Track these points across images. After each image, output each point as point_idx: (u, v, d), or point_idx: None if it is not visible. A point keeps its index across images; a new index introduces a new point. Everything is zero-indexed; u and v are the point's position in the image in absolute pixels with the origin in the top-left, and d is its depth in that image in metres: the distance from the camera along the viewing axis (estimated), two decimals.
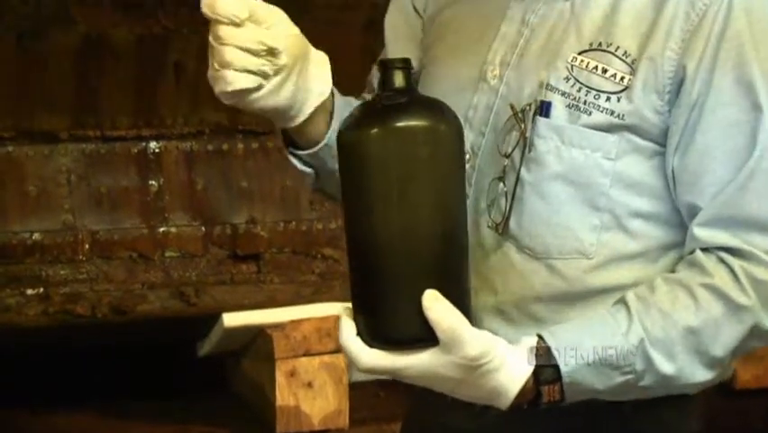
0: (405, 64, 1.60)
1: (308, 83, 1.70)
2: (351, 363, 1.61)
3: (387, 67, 1.60)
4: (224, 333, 3.21)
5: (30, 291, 3.38)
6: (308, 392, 3.15)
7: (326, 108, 1.76)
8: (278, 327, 3.15)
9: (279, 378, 3.15)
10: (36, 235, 3.42)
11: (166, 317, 3.40)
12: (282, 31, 1.64)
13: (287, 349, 3.14)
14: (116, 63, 3.41)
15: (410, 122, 1.56)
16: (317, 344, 3.17)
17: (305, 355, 3.15)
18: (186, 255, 3.50)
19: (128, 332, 3.39)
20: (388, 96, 1.59)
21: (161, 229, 3.50)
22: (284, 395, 3.15)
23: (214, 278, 3.49)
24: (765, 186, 1.63)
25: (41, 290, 3.39)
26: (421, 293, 1.55)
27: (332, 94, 1.76)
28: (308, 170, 1.82)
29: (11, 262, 3.39)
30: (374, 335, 1.58)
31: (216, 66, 1.62)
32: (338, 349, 1.65)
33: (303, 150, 1.79)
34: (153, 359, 3.42)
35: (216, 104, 3.48)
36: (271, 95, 1.66)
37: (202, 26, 3.43)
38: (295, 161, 1.82)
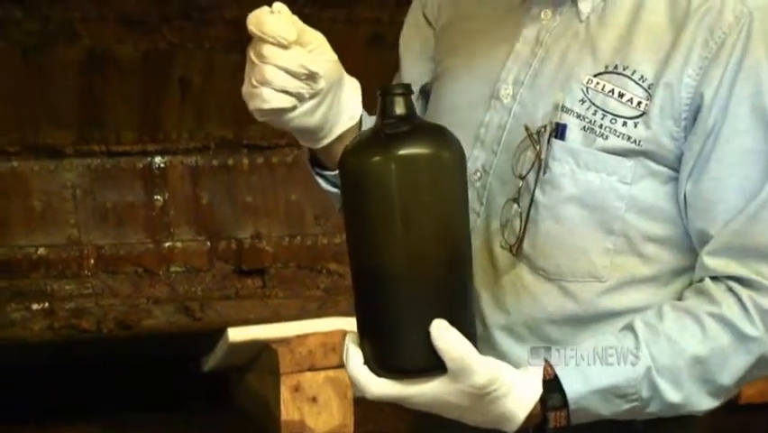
0: (405, 90, 1.60)
1: (340, 107, 1.69)
2: (358, 392, 1.60)
3: (387, 93, 1.59)
4: (228, 348, 3.22)
5: (35, 306, 3.38)
6: (313, 407, 3.15)
7: (354, 131, 1.73)
8: (283, 341, 3.15)
9: (284, 393, 3.16)
10: (41, 250, 3.43)
11: (171, 331, 3.41)
12: (323, 56, 1.64)
13: (291, 364, 3.14)
14: (121, 78, 3.41)
15: (413, 150, 1.56)
16: (322, 358, 3.17)
17: (309, 370, 3.16)
18: (191, 270, 3.50)
19: (133, 347, 3.40)
20: (390, 124, 1.58)
21: (166, 244, 3.50)
22: (289, 410, 3.16)
23: (219, 293, 3.49)
24: None
25: (47, 304, 3.39)
26: (428, 322, 1.54)
27: (360, 118, 1.75)
28: (334, 189, 1.80)
29: (16, 276, 3.39)
30: (382, 364, 1.57)
31: (254, 82, 1.61)
32: (343, 364, 1.64)
33: (329, 171, 1.78)
34: (158, 374, 3.43)
35: (221, 118, 3.51)
36: (305, 116, 1.66)
37: (206, 42, 3.45)
38: (321, 181, 1.81)
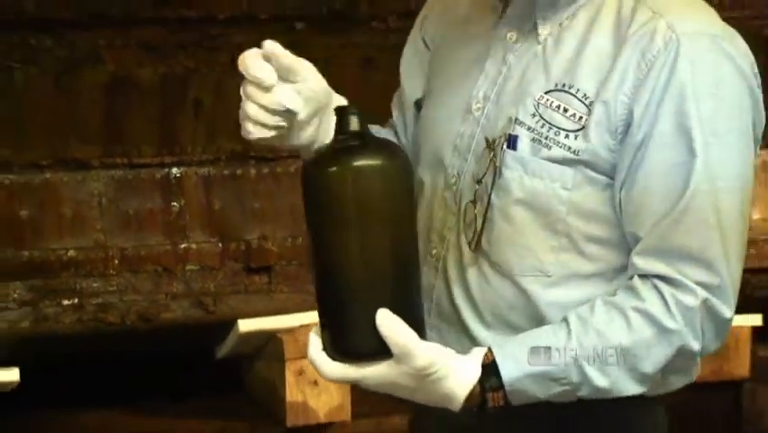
0: (357, 110, 1.63)
1: (329, 124, 1.72)
2: (320, 374, 1.63)
3: (342, 113, 1.63)
4: (239, 337, 3.23)
5: (65, 302, 3.37)
6: (314, 389, 3.16)
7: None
8: (288, 331, 3.16)
9: (289, 377, 3.17)
10: (71, 252, 3.41)
11: (187, 324, 3.39)
12: (308, 84, 1.68)
13: (295, 351, 3.15)
14: (141, 99, 3.40)
15: (364, 161, 1.59)
16: None
17: None
18: (205, 268, 3.49)
19: (153, 337, 3.39)
20: (344, 139, 1.62)
21: (183, 245, 3.50)
22: (293, 392, 3.17)
23: (230, 288, 3.49)
24: (696, 222, 1.63)
25: (76, 300, 3.38)
26: (375, 312, 1.57)
27: None
28: None
29: (48, 276, 3.37)
30: (336, 349, 1.61)
31: (241, 115, 1.66)
32: None
33: None
34: (176, 361, 3.43)
35: (231, 134, 3.54)
36: (291, 138, 1.71)
37: (217, 66, 3.46)
38: None
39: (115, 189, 3.45)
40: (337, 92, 1.80)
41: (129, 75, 3.36)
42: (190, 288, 3.46)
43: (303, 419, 3.18)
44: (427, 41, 1.94)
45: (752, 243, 3.78)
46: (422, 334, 1.61)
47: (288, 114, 1.66)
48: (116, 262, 3.44)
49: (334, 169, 1.59)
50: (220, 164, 3.53)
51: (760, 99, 1.69)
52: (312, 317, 3.18)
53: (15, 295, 3.34)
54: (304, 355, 3.17)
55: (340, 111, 1.64)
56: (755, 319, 3.57)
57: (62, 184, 3.42)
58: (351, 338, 1.60)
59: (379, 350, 1.57)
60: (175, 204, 3.50)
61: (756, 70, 1.69)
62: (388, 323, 1.56)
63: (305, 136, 1.73)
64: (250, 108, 1.65)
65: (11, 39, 3.23)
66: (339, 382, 1.65)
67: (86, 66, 3.31)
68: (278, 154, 3.52)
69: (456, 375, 1.60)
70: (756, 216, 3.84)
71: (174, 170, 3.50)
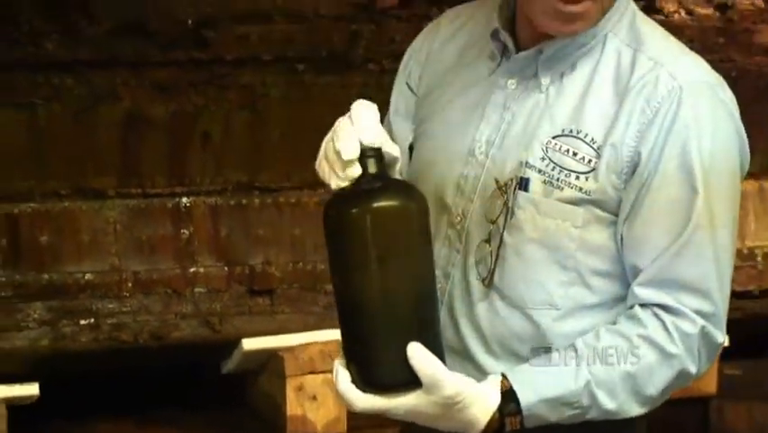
0: (377, 153, 1.61)
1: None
2: (348, 406, 1.62)
3: (363, 156, 1.60)
4: (243, 355, 3.24)
5: (82, 322, 3.36)
6: (313, 404, 3.16)
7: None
8: (289, 349, 3.17)
9: (289, 392, 3.17)
10: (88, 276, 3.41)
11: (195, 342, 3.40)
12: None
13: (295, 368, 3.16)
14: (154, 134, 3.41)
15: (385, 202, 1.58)
16: (321, 364, 3.19)
17: (310, 373, 3.17)
18: (212, 291, 3.49)
19: (164, 355, 3.39)
20: (365, 181, 1.59)
21: (191, 269, 3.49)
22: (293, 406, 3.17)
23: (235, 309, 3.48)
24: (696, 255, 1.64)
25: (92, 320, 3.37)
26: (403, 345, 1.57)
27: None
28: None
29: (67, 298, 3.37)
30: (366, 382, 1.59)
31: (323, 158, 1.65)
32: None
33: None
34: (185, 377, 3.43)
35: (237, 166, 3.55)
36: None
37: (225, 103, 3.47)
38: None
39: (130, 217, 3.45)
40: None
41: (143, 111, 3.37)
42: (198, 309, 3.46)
43: (302, 430, 3.18)
44: (412, 86, 1.93)
45: None
46: (444, 363, 1.60)
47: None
48: (130, 284, 3.44)
49: (355, 210, 1.58)
50: (226, 194, 3.53)
51: (746, 141, 1.71)
52: (311, 337, 3.20)
53: (36, 315, 3.34)
54: (304, 372, 3.20)
55: (360, 154, 1.62)
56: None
57: (80, 212, 3.42)
58: (380, 371, 1.59)
59: (409, 381, 1.57)
60: (184, 231, 3.51)
61: (738, 112, 1.70)
62: (419, 355, 1.57)
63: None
64: (327, 164, 1.64)
65: (35, 78, 3.23)
66: (369, 412, 1.61)
67: (104, 103, 3.32)
68: (281, 185, 3.52)
69: (480, 403, 1.61)
70: None
71: (184, 199, 3.50)
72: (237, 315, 3.47)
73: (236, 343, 3.26)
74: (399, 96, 1.95)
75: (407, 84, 1.94)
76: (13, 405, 2.99)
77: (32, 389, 2.99)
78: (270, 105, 3.43)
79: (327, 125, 1.75)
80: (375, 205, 1.58)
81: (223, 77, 3.38)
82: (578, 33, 1.70)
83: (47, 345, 3.31)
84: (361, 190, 1.59)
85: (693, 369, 1.66)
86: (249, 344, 3.21)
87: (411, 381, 1.57)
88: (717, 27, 3.86)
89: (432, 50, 1.90)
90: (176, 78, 3.34)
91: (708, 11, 3.98)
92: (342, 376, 1.61)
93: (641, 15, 1.77)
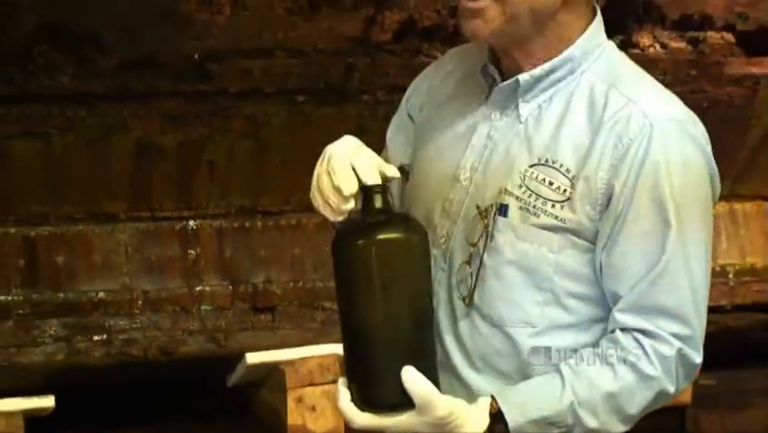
0: (382, 189, 1.63)
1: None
2: (347, 423, 1.63)
3: (369, 191, 1.62)
4: (246, 368, 3.23)
5: (96, 338, 3.37)
6: (312, 414, 3.16)
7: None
8: (289, 363, 3.17)
9: (290, 403, 3.16)
10: (101, 294, 3.42)
11: (202, 356, 3.40)
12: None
13: (296, 380, 3.16)
14: (163, 161, 3.42)
15: (388, 235, 1.60)
16: (320, 376, 3.19)
17: (310, 385, 3.17)
18: (217, 308, 3.49)
19: (172, 368, 3.39)
20: (370, 215, 1.61)
21: (198, 288, 3.50)
22: (294, 417, 3.17)
23: (239, 325, 3.49)
24: (671, 284, 1.63)
25: (105, 336, 3.39)
26: (400, 369, 1.57)
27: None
28: None
29: (81, 315, 3.38)
30: (364, 401, 1.60)
31: (316, 190, 1.66)
32: (335, 380, 1.66)
33: None
34: (192, 389, 3.43)
35: (241, 191, 3.55)
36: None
37: (229, 133, 3.48)
38: None
39: (140, 239, 3.46)
40: None
41: (152, 141, 3.38)
42: (204, 325, 3.46)
43: None
44: (413, 115, 1.95)
45: None
46: (438, 387, 1.60)
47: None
48: (140, 302, 3.45)
49: (361, 242, 1.59)
50: (231, 217, 3.55)
51: (717, 173, 1.71)
52: (310, 351, 3.20)
53: (51, 331, 3.35)
54: (303, 384, 3.20)
55: (366, 190, 1.62)
56: None
57: (93, 235, 3.44)
58: (377, 392, 1.59)
59: (403, 401, 1.57)
60: (191, 252, 3.52)
61: (710, 147, 1.70)
62: (413, 378, 1.57)
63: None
64: (321, 197, 1.66)
65: (50, 110, 3.25)
66: (366, 429, 1.61)
67: (115, 133, 3.33)
68: (282, 209, 3.53)
69: (470, 424, 1.60)
70: None
71: (191, 222, 3.51)
72: (241, 331, 3.48)
73: (240, 357, 3.26)
74: (399, 122, 1.96)
75: (408, 114, 1.95)
76: (31, 416, 2.99)
77: (47, 401, 2.99)
78: (272, 134, 3.45)
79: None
80: (379, 237, 1.59)
81: (227, 108, 3.39)
82: (481, 36, 1.68)
83: (62, 359, 3.32)
84: (366, 224, 1.61)
85: (671, 389, 1.64)
86: (252, 358, 3.21)
87: (405, 402, 1.57)
88: (689, 60, 3.88)
89: (433, 84, 1.92)
90: (183, 109, 3.35)
91: (681, 45, 4.00)
92: (343, 394, 1.61)
93: (619, 54, 1.75)
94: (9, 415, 2.94)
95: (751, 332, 4.02)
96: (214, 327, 3.47)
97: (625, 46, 3.94)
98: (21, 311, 3.33)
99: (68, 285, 3.41)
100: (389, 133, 1.96)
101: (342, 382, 1.63)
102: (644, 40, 3.94)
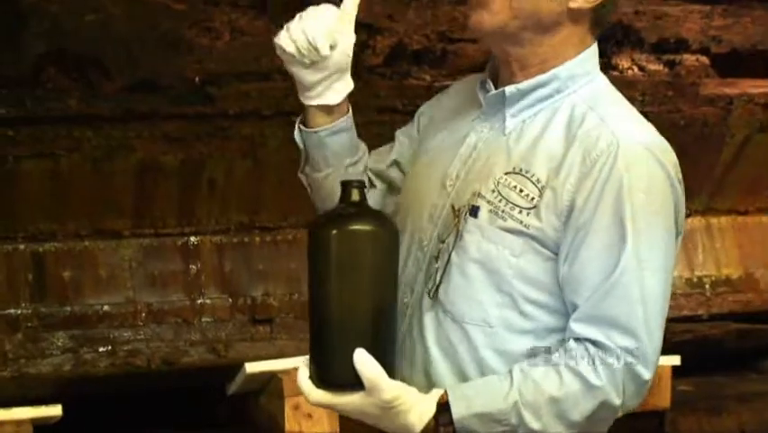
0: (359, 185, 1.66)
1: (330, 90, 1.77)
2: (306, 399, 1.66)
3: (346, 186, 1.66)
4: (246, 378, 3.23)
5: (101, 349, 3.36)
6: (309, 421, 3.15)
7: (331, 112, 1.81)
8: (287, 372, 3.16)
9: (287, 410, 3.16)
10: (106, 307, 3.41)
11: (203, 366, 3.40)
12: (339, 49, 1.73)
13: (293, 389, 3.13)
14: (165, 180, 3.42)
15: (359, 226, 1.63)
16: None
17: None
18: (217, 320, 3.49)
19: (175, 378, 3.39)
20: (345, 207, 1.65)
21: (199, 301, 3.50)
22: (291, 424, 3.16)
23: (238, 337, 3.48)
24: (623, 296, 1.62)
25: (110, 348, 3.38)
26: (353, 351, 1.59)
27: (348, 110, 1.83)
28: (301, 145, 1.86)
29: (87, 327, 3.37)
30: (320, 379, 1.63)
31: (285, 28, 1.71)
32: None
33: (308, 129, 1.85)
34: (194, 397, 3.42)
35: (239, 208, 3.55)
36: (305, 71, 1.73)
37: (228, 153, 3.48)
38: (296, 134, 1.86)
39: (143, 255, 3.46)
40: None
41: (155, 160, 3.38)
42: (205, 336, 3.46)
43: None
44: (420, 129, 1.96)
45: (670, 296, 3.80)
46: (391, 374, 1.62)
47: (316, 51, 1.70)
48: (143, 315, 3.45)
49: (334, 231, 1.62)
50: (230, 233, 3.55)
51: (682, 200, 1.71)
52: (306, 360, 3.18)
53: (59, 343, 3.34)
54: (299, 393, 3.18)
55: (344, 184, 1.67)
56: (674, 360, 3.60)
57: (99, 250, 3.43)
58: (332, 371, 1.62)
59: (355, 383, 1.59)
60: (192, 266, 3.52)
61: (680, 176, 1.71)
62: (363, 360, 1.59)
63: (313, 78, 1.75)
64: (294, 29, 1.70)
65: (58, 131, 3.25)
66: (320, 406, 1.66)
67: (120, 153, 3.33)
68: (279, 225, 3.53)
69: (415, 410, 1.62)
70: (674, 273, 3.86)
71: (192, 238, 3.51)
72: (240, 341, 3.48)
73: (239, 366, 3.26)
74: (408, 130, 1.98)
75: (418, 129, 1.97)
76: (39, 424, 2.98)
77: (55, 410, 2.99)
78: (269, 154, 3.45)
79: None
80: (349, 228, 1.62)
81: (226, 129, 3.40)
82: (484, 29, 1.71)
83: (69, 370, 3.31)
84: (337, 215, 1.65)
85: (617, 401, 1.63)
86: (251, 367, 3.20)
87: (356, 382, 1.59)
88: (666, 81, 3.89)
89: (441, 103, 1.94)
90: (184, 130, 3.36)
91: (659, 67, 4.02)
92: (302, 372, 1.65)
93: (607, 86, 1.77)
94: (19, 423, 2.94)
95: (726, 340, 4.03)
96: (215, 338, 3.46)
97: (605, 68, 3.94)
98: (30, 324, 3.32)
99: (75, 299, 3.40)
100: (398, 133, 1.98)
101: (303, 360, 1.66)
102: (624, 62, 3.96)
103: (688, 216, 3.88)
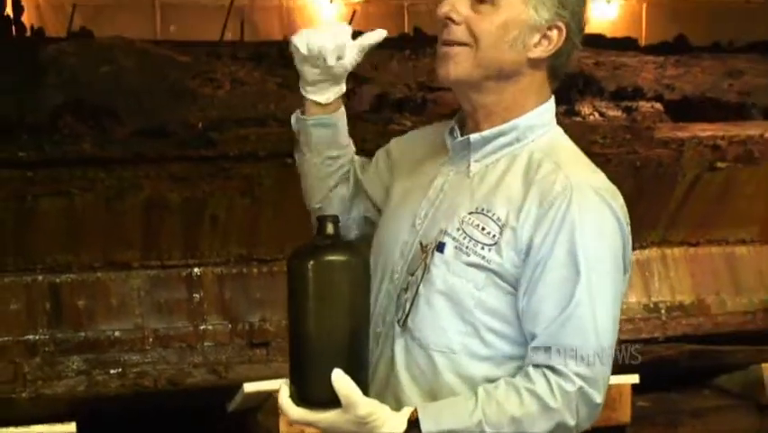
0: (333, 219, 1.67)
1: (329, 86, 1.81)
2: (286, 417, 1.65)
3: (322, 220, 1.66)
4: (244, 397, 3.23)
5: (112, 371, 3.36)
6: None
7: (324, 107, 1.83)
8: None
9: (282, 427, 3.16)
10: (117, 333, 3.41)
11: (205, 387, 3.39)
12: (343, 63, 1.77)
13: None
14: (171, 216, 3.43)
15: (332, 257, 1.63)
16: None
17: None
18: (218, 344, 3.48)
19: (180, 397, 3.37)
20: (321, 240, 1.65)
21: (202, 327, 3.50)
22: None
23: (237, 359, 3.48)
24: (578, 326, 1.63)
25: (120, 370, 3.37)
26: (330, 371, 1.60)
27: (338, 108, 1.86)
28: (294, 128, 1.88)
29: (100, 351, 3.38)
30: (300, 397, 1.63)
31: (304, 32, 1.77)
32: None
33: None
34: (197, 415, 3.40)
35: (239, 242, 3.55)
36: (307, 68, 1.78)
37: (229, 191, 3.49)
38: (293, 119, 1.88)
39: (151, 285, 3.46)
40: None
41: (161, 198, 3.39)
42: (207, 359, 3.46)
43: None
44: (394, 160, 1.95)
45: (630, 320, 3.83)
46: (365, 392, 1.63)
47: (324, 62, 1.75)
48: (151, 340, 3.44)
49: (311, 262, 1.62)
50: (230, 265, 3.55)
51: (629, 239, 1.71)
52: None
53: (74, 366, 3.34)
54: (281, 411, 3.17)
55: (320, 218, 1.66)
56: (633, 378, 3.61)
57: (110, 281, 3.43)
58: (311, 390, 1.62)
59: (332, 400, 1.59)
60: (196, 295, 3.52)
61: (628, 219, 1.71)
62: (340, 380, 1.59)
63: (310, 90, 1.81)
64: (315, 35, 1.75)
65: (73, 172, 3.26)
66: (300, 423, 1.63)
67: (129, 192, 3.35)
68: (275, 257, 3.53)
69: (388, 425, 1.61)
70: (632, 299, 3.88)
71: (195, 269, 3.51)
72: (239, 363, 3.47)
73: (239, 386, 3.26)
74: (377, 161, 1.97)
75: (387, 153, 1.96)
76: None
77: (70, 427, 2.98)
78: (265, 192, 3.46)
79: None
80: (325, 258, 1.62)
81: (227, 169, 3.41)
82: (451, 79, 1.71)
83: (83, 390, 3.30)
84: (314, 247, 1.64)
85: (571, 422, 1.62)
86: (249, 387, 3.21)
87: (334, 400, 1.59)
88: (624, 126, 3.92)
89: (412, 146, 1.94)
90: (188, 171, 3.37)
91: (617, 113, 4.06)
92: (283, 391, 1.63)
93: (563, 137, 1.78)
94: None
95: (681, 360, 4.04)
96: (216, 361, 3.46)
97: (568, 114, 3.99)
98: (47, 349, 3.32)
99: (89, 325, 3.41)
100: (378, 152, 1.98)
101: (284, 380, 1.65)
102: (585, 109, 4.01)
103: (645, 247, 3.94)
